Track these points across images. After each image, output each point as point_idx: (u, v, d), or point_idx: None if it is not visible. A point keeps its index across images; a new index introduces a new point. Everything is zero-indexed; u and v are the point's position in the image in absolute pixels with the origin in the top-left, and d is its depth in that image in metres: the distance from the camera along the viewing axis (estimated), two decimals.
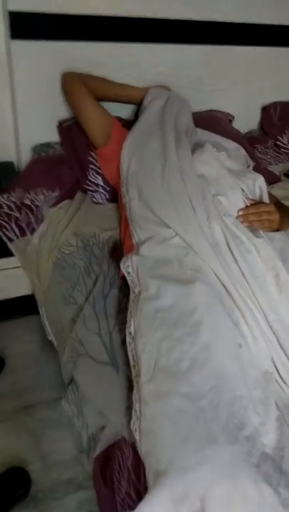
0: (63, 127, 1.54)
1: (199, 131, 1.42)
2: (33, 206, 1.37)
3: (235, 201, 1.05)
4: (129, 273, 0.96)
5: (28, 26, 1.33)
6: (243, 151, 1.49)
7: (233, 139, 1.54)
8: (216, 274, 0.90)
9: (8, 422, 1.38)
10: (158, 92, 1.51)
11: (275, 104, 1.98)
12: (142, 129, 1.34)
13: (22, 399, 1.44)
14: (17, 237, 1.34)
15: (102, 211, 1.34)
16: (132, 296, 0.92)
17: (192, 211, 0.98)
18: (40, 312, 1.19)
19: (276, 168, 1.77)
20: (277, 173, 1.75)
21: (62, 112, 1.55)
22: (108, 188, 1.37)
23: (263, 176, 1.20)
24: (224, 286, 0.89)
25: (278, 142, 1.90)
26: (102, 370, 0.90)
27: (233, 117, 1.88)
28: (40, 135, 1.58)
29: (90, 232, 1.23)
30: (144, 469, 0.71)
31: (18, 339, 1.63)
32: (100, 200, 1.37)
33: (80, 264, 1.13)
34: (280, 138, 1.90)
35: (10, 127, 1.53)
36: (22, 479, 1.20)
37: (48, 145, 1.58)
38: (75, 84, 1.40)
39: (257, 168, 1.54)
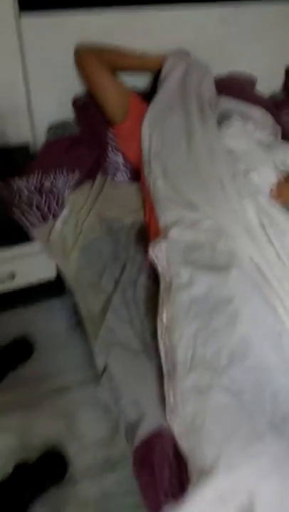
0: (78, 104, 1.48)
1: (223, 99, 1.34)
2: (54, 189, 1.32)
3: (267, 177, 0.99)
4: (158, 259, 0.93)
5: None
6: (269, 118, 1.41)
7: (258, 105, 1.45)
8: (250, 258, 0.86)
9: (42, 406, 1.40)
10: (177, 59, 1.41)
11: None
12: (163, 101, 1.27)
13: (54, 382, 1.46)
14: (39, 223, 1.31)
15: (124, 192, 1.29)
16: (162, 283, 0.89)
17: (222, 192, 0.93)
18: (76, 298, 1.18)
19: None
20: None
21: (77, 88, 1.47)
22: (129, 166, 1.32)
23: None
24: (260, 270, 0.84)
25: None
26: (135, 358, 0.89)
27: (256, 79, 1.76)
28: (55, 114, 1.52)
29: (114, 216, 1.19)
30: (185, 459, 0.71)
31: (45, 323, 1.64)
32: (122, 179, 1.32)
33: (106, 250, 1.10)
34: None
35: (23, 107, 1.47)
36: (59, 462, 1.23)
37: (64, 124, 1.52)
38: (89, 58, 1.32)
39: (285, 136, 1.45)
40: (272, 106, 1.64)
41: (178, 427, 0.70)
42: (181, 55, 1.44)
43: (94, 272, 1.09)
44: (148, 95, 1.42)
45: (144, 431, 0.83)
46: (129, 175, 1.32)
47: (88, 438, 1.33)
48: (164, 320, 0.82)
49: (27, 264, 1.47)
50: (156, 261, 0.92)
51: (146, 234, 1.13)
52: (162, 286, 0.89)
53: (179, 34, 1.51)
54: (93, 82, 1.33)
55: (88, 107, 1.44)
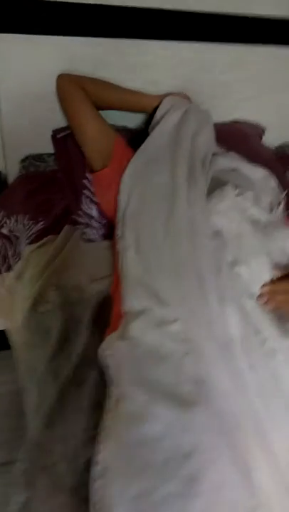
0: (58, 138, 1.29)
1: (220, 156, 1.15)
2: (11, 236, 1.13)
3: (258, 273, 0.79)
4: (109, 367, 0.72)
5: (19, 17, 1.07)
6: (272, 182, 1.21)
7: (263, 162, 1.26)
8: (223, 391, 0.65)
9: None
10: (175, 102, 1.23)
11: None
12: (150, 153, 1.07)
13: None
14: None
15: (94, 252, 1.09)
16: (107, 402, 0.69)
17: (201, 291, 0.72)
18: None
19: None
20: None
21: (60, 120, 1.29)
22: (103, 222, 1.12)
23: None
24: (233, 412, 0.63)
25: None
26: (66, 503, 0.67)
27: (264, 129, 1.59)
28: (31, 145, 1.33)
29: (75, 282, 0.98)
30: None
31: None
32: (92, 237, 1.12)
33: (54, 330, 0.89)
34: None
35: None
36: None
37: (39, 157, 1.33)
38: (72, 90, 1.14)
39: None
40: (279, 162, 1.47)
41: None
42: (180, 98, 1.26)
43: (36, 356, 0.88)
44: (138, 137, 1.24)
45: None
46: (101, 231, 1.12)
47: None
48: (100, 463, 0.61)
49: None
50: (105, 370, 0.71)
51: (108, 311, 0.93)
52: (107, 406, 0.68)
53: (182, 72, 1.33)
54: (74, 119, 1.14)
55: (68, 143, 1.25)
